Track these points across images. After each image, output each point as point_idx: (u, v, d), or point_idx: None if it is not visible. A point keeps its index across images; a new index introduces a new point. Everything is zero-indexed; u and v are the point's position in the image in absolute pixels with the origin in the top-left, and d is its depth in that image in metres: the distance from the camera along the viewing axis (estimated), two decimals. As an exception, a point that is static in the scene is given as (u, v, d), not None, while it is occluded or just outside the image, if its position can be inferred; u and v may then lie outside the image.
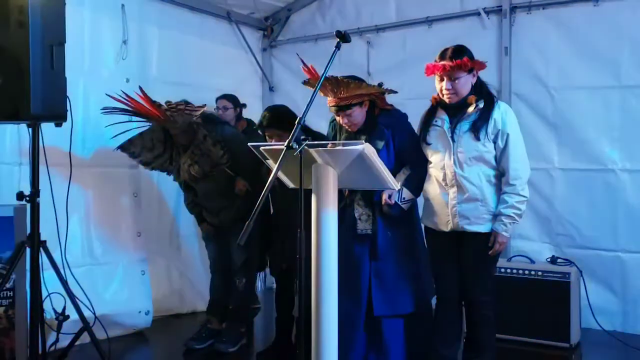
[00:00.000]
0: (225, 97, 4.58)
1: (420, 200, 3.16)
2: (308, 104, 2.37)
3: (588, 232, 4.18)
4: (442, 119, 2.98)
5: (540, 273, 3.83)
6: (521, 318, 3.80)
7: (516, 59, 4.42)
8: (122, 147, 3.71)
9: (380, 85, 3.05)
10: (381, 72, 5.01)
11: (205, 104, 3.69)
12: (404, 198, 3.00)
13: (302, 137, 2.31)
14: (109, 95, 3.45)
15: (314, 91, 2.42)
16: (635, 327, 4.03)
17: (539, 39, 4.34)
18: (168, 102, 3.61)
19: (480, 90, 2.95)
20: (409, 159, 3.09)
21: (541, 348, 3.77)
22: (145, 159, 3.78)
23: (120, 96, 3.42)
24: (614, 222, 4.09)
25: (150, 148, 3.75)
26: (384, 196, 2.97)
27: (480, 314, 3.03)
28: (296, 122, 2.32)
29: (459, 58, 2.84)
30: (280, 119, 3.40)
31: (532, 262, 3.97)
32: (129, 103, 3.45)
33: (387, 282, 3.05)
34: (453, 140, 2.92)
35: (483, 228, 2.94)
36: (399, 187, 2.97)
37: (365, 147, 2.39)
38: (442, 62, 2.87)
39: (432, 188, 3.06)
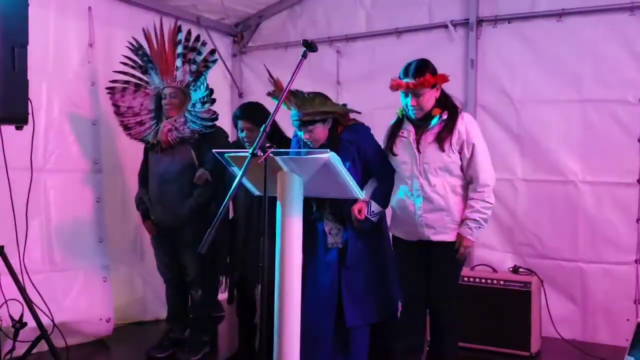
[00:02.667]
0: None
1: (388, 210, 3.19)
2: (272, 114, 2.39)
3: (549, 242, 4.26)
4: (408, 130, 3.03)
5: (502, 282, 3.89)
6: (482, 326, 3.85)
7: (482, 71, 4.49)
8: (111, 90, 3.87)
9: (344, 105, 3.10)
10: (351, 81, 5.06)
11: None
12: (373, 211, 3.04)
13: (267, 144, 2.31)
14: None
15: (278, 103, 2.44)
16: (594, 336, 4.11)
17: (505, 52, 4.42)
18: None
19: (445, 103, 3.00)
20: (375, 171, 3.12)
21: (502, 356, 3.82)
22: (126, 122, 3.85)
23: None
24: (575, 233, 4.17)
25: (137, 113, 3.84)
26: (354, 212, 3.01)
27: (444, 322, 3.07)
28: (261, 130, 2.32)
29: (421, 75, 2.88)
30: (253, 112, 3.52)
31: (495, 271, 4.03)
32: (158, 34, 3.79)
33: (358, 293, 3.08)
34: (419, 151, 2.97)
35: (449, 237, 2.99)
36: (367, 200, 3.01)
37: (330, 156, 2.40)
38: (406, 81, 2.91)
39: (398, 198, 3.09)
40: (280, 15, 5.45)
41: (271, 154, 2.34)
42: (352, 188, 2.54)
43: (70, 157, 4.04)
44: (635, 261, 3.98)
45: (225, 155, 2.60)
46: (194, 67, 3.77)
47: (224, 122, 5.07)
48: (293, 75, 2.43)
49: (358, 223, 3.02)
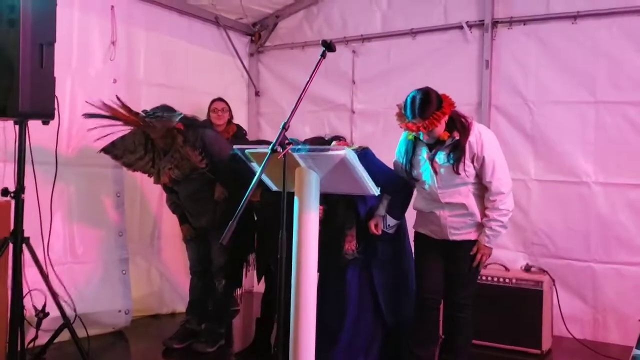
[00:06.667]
0: (222, 99, 4.66)
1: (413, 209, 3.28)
2: (290, 114, 2.43)
3: (562, 243, 4.29)
4: (422, 149, 3.06)
5: (514, 281, 3.93)
6: (494, 324, 3.89)
7: (496, 72, 4.53)
8: (105, 150, 3.79)
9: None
10: (366, 81, 5.12)
11: (181, 113, 3.70)
12: (389, 225, 3.18)
13: (286, 141, 2.38)
14: (88, 102, 3.55)
15: (296, 103, 2.47)
16: (605, 335, 4.14)
17: (519, 53, 4.46)
18: (144, 111, 3.66)
19: (454, 124, 2.96)
20: (387, 187, 3.14)
21: (513, 354, 3.86)
22: (127, 161, 3.85)
23: (99, 106, 3.51)
24: (587, 233, 4.20)
25: (132, 150, 3.82)
26: (371, 227, 3.18)
27: (459, 317, 3.13)
28: (281, 127, 2.39)
29: (428, 114, 2.80)
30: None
31: (507, 270, 4.08)
32: (107, 111, 3.54)
33: (392, 294, 3.28)
34: (436, 173, 3.00)
35: (471, 236, 3.07)
36: (383, 214, 3.18)
37: (347, 153, 2.46)
38: (415, 122, 2.85)
39: (422, 204, 3.16)
40: (297, 15, 5.52)
41: (290, 151, 2.41)
42: (367, 184, 2.60)
43: (92, 152, 4.11)
44: (647, 262, 4.01)
45: (246, 151, 2.67)
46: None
47: (240, 120, 5.19)
48: (312, 75, 2.48)
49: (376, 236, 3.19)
